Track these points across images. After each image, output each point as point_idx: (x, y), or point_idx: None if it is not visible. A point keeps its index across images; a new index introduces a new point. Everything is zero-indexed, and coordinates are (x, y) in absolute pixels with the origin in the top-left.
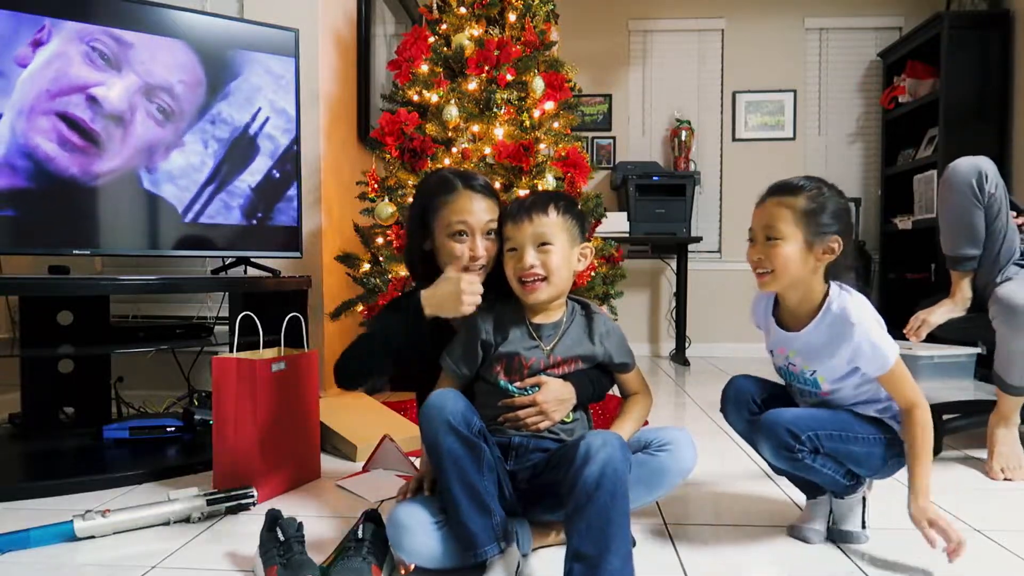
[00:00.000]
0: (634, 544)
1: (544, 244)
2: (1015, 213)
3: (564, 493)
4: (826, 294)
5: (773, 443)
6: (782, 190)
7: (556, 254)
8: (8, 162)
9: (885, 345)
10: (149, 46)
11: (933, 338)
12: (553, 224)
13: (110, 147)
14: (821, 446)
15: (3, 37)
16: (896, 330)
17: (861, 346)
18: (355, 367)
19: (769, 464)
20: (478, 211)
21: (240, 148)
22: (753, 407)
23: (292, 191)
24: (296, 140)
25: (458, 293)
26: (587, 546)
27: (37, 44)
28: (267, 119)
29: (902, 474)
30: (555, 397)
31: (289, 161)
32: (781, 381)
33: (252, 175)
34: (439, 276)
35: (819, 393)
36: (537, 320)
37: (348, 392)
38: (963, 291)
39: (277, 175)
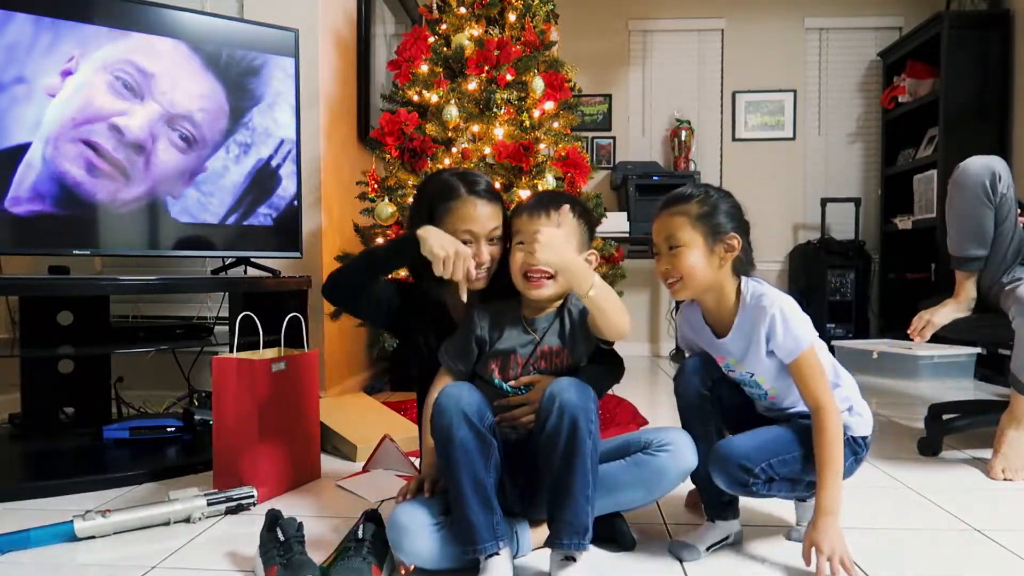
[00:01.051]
0: (634, 544)
1: None
2: (1021, 212)
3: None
4: (739, 290)
5: (727, 478)
6: (674, 200)
7: None
8: (38, 190)
9: (798, 329)
10: (150, 45)
11: (935, 338)
12: (567, 224)
13: (123, 168)
14: (776, 475)
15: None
16: (897, 330)
17: (773, 326)
18: (340, 277)
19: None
20: (483, 218)
21: (239, 148)
22: (704, 393)
23: (292, 191)
24: (296, 140)
25: (453, 245)
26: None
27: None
28: (266, 119)
29: (902, 474)
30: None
31: (289, 161)
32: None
33: (251, 174)
34: (444, 278)
35: (767, 395)
36: (532, 315)
37: (334, 306)
38: (968, 291)
39: (277, 175)
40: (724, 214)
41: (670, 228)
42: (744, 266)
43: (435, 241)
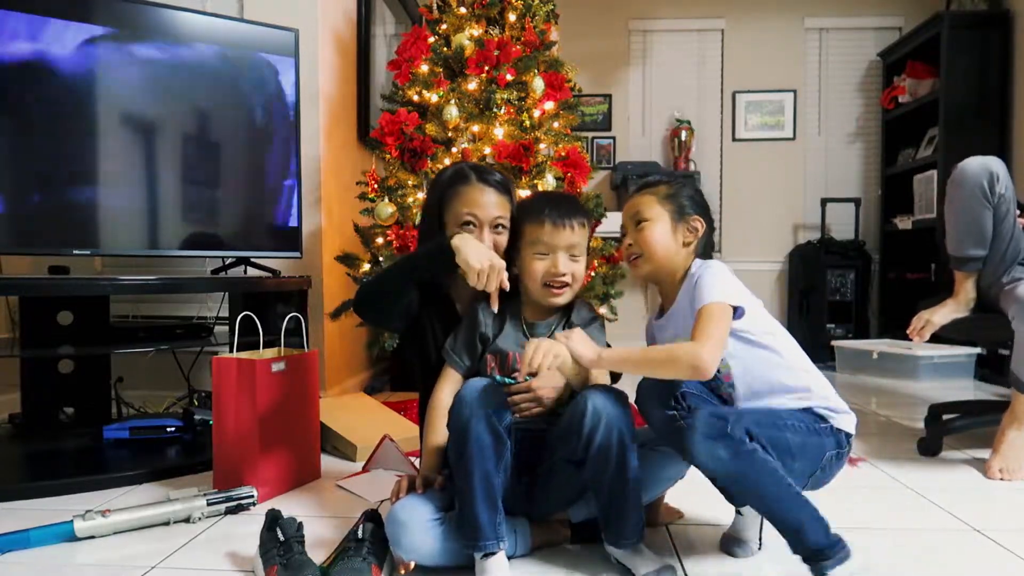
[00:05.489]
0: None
1: (575, 254)
2: (1020, 212)
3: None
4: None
5: (703, 430)
6: (644, 185)
7: (582, 263)
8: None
9: (711, 285)
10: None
11: (935, 338)
12: (584, 234)
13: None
14: (751, 431)
15: None
16: (897, 330)
17: (697, 281)
18: (376, 288)
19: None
20: (488, 204)
21: (239, 148)
22: (670, 401)
23: (292, 191)
24: (296, 140)
25: (488, 258)
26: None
27: None
28: (266, 119)
29: (902, 474)
30: (548, 387)
31: (289, 161)
32: None
33: (251, 175)
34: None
35: (719, 372)
36: (532, 319)
37: (364, 318)
38: (967, 291)
39: (277, 175)
40: (690, 198)
41: (638, 206)
42: (706, 252)
43: (470, 252)
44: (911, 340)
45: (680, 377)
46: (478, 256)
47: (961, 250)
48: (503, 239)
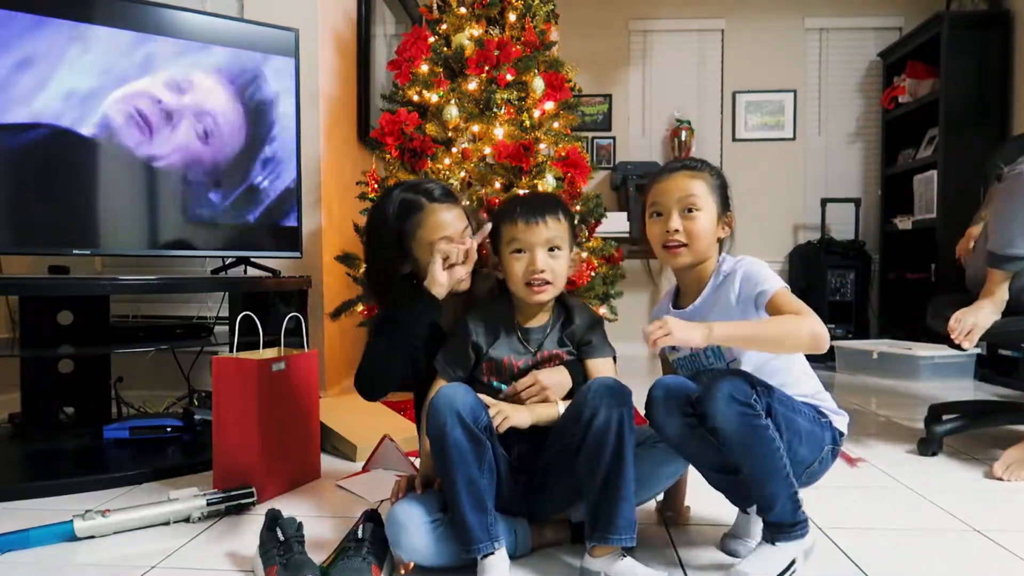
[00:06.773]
0: (635, 545)
1: (554, 248)
2: None
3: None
4: (717, 263)
5: (729, 390)
6: (689, 165)
7: (563, 259)
8: None
9: (764, 273)
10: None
11: (934, 338)
12: (562, 228)
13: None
14: (772, 406)
15: None
16: (897, 330)
17: (746, 276)
18: (371, 376)
19: (705, 467)
20: (452, 222)
21: (240, 148)
22: (687, 408)
23: (292, 191)
24: (296, 140)
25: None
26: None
27: None
28: (266, 119)
29: (902, 474)
30: (553, 381)
31: (289, 161)
32: None
33: (251, 175)
34: (420, 295)
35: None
36: (525, 324)
37: (369, 400)
38: (1003, 292)
39: (277, 175)
40: (727, 191)
41: (691, 189)
42: (725, 249)
43: (436, 268)
44: (960, 347)
45: (798, 350)
46: (434, 259)
47: (1010, 248)
48: (474, 244)
